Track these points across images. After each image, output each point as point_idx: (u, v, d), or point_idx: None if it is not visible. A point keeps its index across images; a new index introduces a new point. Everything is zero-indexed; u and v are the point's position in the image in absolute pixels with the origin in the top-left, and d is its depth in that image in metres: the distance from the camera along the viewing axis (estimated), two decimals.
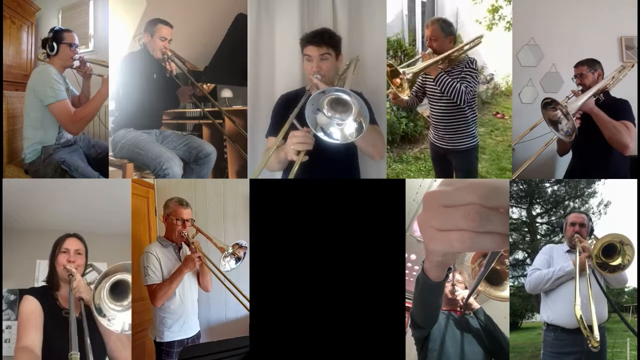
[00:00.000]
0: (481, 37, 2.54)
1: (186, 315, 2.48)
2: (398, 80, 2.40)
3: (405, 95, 2.45)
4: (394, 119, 3.21)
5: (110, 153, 2.64)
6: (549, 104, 2.31)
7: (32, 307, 1.95)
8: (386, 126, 2.59)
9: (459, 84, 2.41)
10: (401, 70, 2.38)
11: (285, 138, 2.10)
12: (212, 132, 3.11)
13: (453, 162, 2.63)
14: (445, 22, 2.51)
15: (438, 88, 2.45)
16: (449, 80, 2.41)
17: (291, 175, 2.03)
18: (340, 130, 1.94)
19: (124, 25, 2.69)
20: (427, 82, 2.60)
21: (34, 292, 2.01)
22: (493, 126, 3.18)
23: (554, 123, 2.32)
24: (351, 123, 1.92)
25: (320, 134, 1.95)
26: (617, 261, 2.15)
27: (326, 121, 1.94)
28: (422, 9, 3.71)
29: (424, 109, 3.20)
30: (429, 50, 2.47)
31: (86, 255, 2.15)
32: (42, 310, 1.95)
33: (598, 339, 1.86)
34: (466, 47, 2.50)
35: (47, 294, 2.03)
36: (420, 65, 2.43)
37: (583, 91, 2.47)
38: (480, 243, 0.64)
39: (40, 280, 2.23)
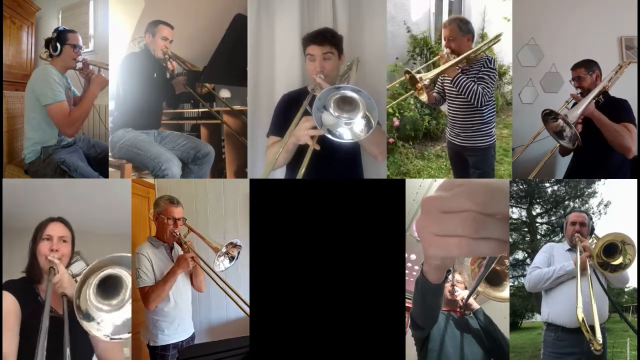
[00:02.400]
0: (500, 35, 2.51)
1: (180, 318, 2.45)
2: (419, 84, 2.39)
3: (423, 98, 2.45)
4: (417, 116, 3.22)
5: (109, 153, 2.64)
6: (548, 115, 2.30)
7: (8, 306, 1.69)
8: (386, 126, 2.59)
9: (475, 86, 2.39)
10: (418, 77, 2.37)
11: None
12: (211, 133, 3.11)
13: (470, 161, 2.62)
14: (462, 20, 2.49)
15: (455, 89, 2.44)
16: (466, 82, 2.40)
17: (303, 166, 1.99)
18: (350, 129, 1.93)
19: (123, 25, 2.70)
20: (445, 81, 2.60)
21: (11, 286, 1.76)
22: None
23: (558, 133, 2.31)
24: (360, 120, 1.90)
25: (328, 135, 1.93)
26: (618, 261, 2.15)
27: (333, 121, 1.92)
28: (449, 7, 3.71)
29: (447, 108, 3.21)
30: (447, 50, 2.45)
31: (73, 243, 1.91)
32: (19, 308, 1.71)
33: (601, 342, 1.86)
34: (484, 47, 2.48)
35: (26, 288, 1.78)
36: (435, 70, 2.42)
37: (582, 94, 2.46)
38: (477, 249, 0.64)
39: (19, 272, 1.90)
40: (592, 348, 1.86)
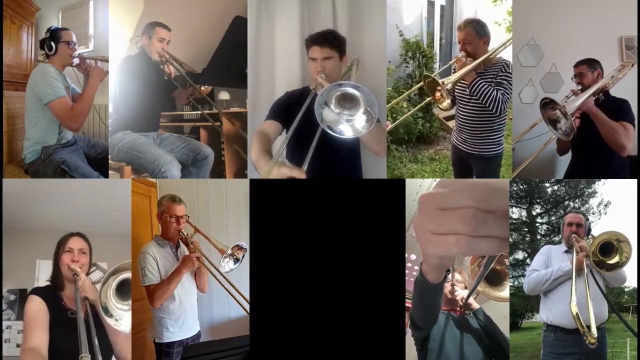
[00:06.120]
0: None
1: (185, 316, 2.46)
2: (438, 94, 2.35)
3: (445, 106, 2.40)
4: (410, 119, 3.20)
5: (109, 156, 2.64)
6: (547, 104, 2.29)
7: (37, 306, 1.92)
8: (385, 125, 2.59)
9: (495, 92, 2.32)
10: (441, 81, 2.32)
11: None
12: (210, 135, 3.11)
13: (474, 169, 2.57)
14: (479, 23, 2.43)
15: (474, 95, 2.37)
16: (486, 87, 2.33)
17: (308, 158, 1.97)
18: (351, 126, 1.92)
19: (123, 26, 2.69)
20: (457, 84, 2.52)
21: (38, 291, 1.99)
22: (509, 130, 3.18)
23: (552, 122, 2.30)
24: (361, 117, 1.90)
25: (328, 131, 1.90)
26: (615, 259, 2.14)
27: (334, 118, 1.92)
28: (440, 12, 3.72)
29: (440, 111, 3.19)
30: (462, 53, 2.40)
31: (90, 254, 2.14)
32: (47, 310, 1.92)
33: (595, 336, 1.85)
34: (502, 49, 2.42)
35: (51, 294, 2.00)
36: (457, 74, 2.37)
37: (583, 91, 2.45)
38: (476, 247, 0.62)
39: (41, 280, 2.22)
40: (587, 342, 1.86)
